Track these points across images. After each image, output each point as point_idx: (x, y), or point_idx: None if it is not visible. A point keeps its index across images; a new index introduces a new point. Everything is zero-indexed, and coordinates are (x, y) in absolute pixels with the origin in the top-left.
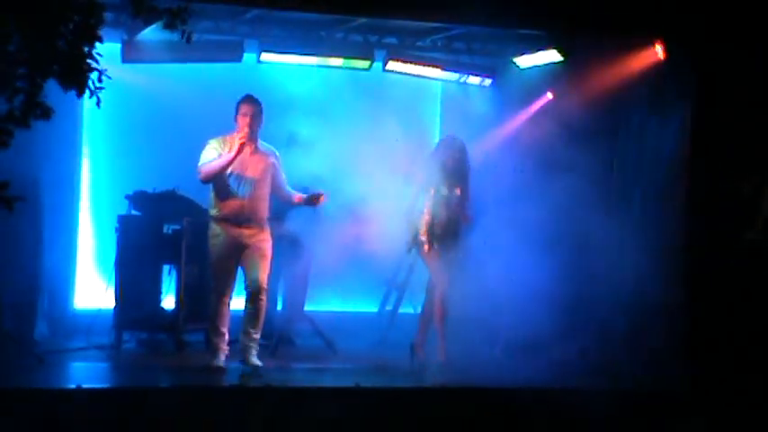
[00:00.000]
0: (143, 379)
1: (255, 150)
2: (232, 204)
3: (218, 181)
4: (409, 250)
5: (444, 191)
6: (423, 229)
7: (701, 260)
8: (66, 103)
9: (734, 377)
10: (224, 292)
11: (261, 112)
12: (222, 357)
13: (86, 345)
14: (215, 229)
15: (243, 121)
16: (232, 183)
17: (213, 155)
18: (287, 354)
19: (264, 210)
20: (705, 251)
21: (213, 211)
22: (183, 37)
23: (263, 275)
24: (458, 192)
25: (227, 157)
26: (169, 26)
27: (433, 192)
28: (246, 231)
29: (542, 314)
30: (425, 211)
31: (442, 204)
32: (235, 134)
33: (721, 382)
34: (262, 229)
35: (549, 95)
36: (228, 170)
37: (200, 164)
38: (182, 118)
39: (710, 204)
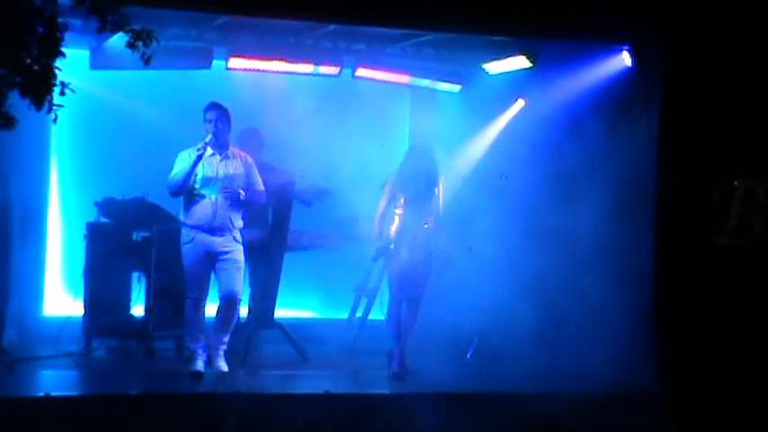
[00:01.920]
0: (113, 386)
1: (225, 156)
2: (202, 211)
3: (188, 189)
4: (376, 258)
5: (414, 199)
6: (392, 237)
7: (670, 264)
8: (33, 111)
9: (706, 380)
10: (198, 298)
11: (226, 117)
12: (201, 362)
13: (55, 352)
14: (186, 235)
15: (208, 128)
16: (202, 189)
17: (181, 167)
18: (257, 360)
19: (236, 216)
20: (674, 255)
21: (184, 219)
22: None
23: (237, 285)
24: (428, 200)
25: (187, 167)
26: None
27: (402, 200)
28: (218, 240)
29: (513, 320)
30: (395, 219)
31: (412, 212)
32: (202, 143)
33: (693, 385)
34: (234, 237)
35: (522, 102)
36: (198, 177)
37: (168, 177)
38: (151, 125)
39: (679, 208)
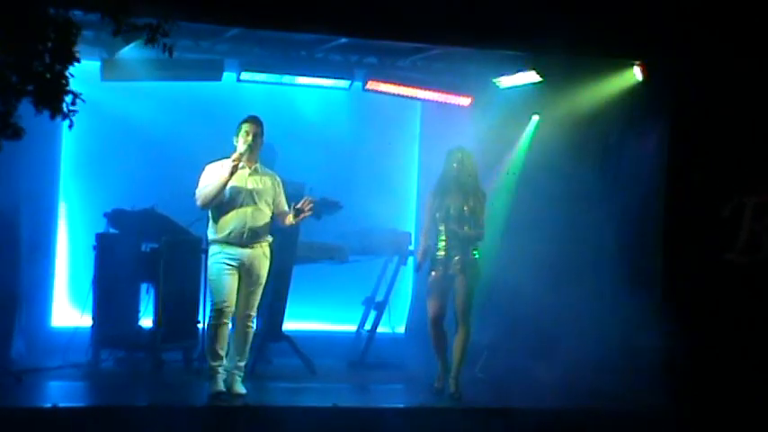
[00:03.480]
0: (120, 398)
1: (255, 171)
2: (233, 223)
3: (218, 201)
4: (419, 269)
5: (452, 208)
6: (439, 249)
7: (679, 279)
8: (44, 122)
9: (717, 397)
10: (223, 309)
11: (262, 132)
12: (222, 382)
13: (63, 363)
14: (215, 248)
15: (245, 140)
16: (232, 201)
17: (210, 180)
18: (264, 373)
19: (266, 229)
20: (684, 271)
21: (213, 235)
22: (164, 51)
23: (254, 302)
24: (466, 208)
25: (221, 179)
26: (150, 41)
27: (442, 210)
28: (248, 252)
29: (524, 334)
30: (441, 230)
31: (452, 222)
32: (232, 155)
33: (704, 401)
34: (263, 251)
35: (536, 118)
36: (227, 189)
37: (197, 190)
38: (160, 136)
39: (689, 224)
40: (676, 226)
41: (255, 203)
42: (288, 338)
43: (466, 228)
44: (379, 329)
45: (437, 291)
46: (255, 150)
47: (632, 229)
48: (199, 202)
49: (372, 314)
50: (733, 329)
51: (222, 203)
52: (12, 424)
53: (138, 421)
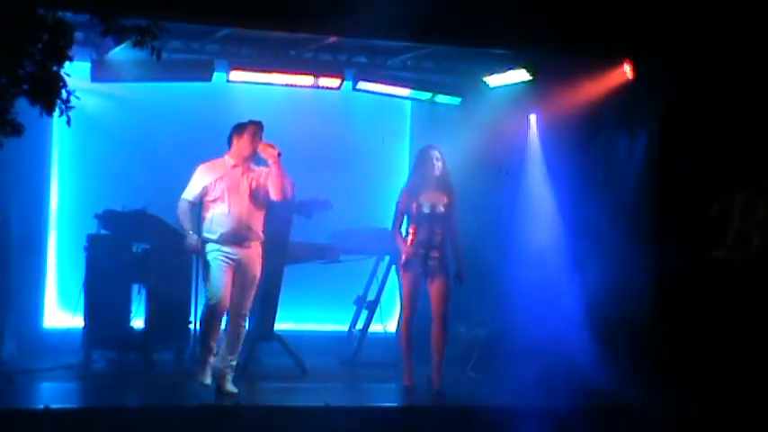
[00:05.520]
0: (112, 398)
1: (248, 169)
2: (227, 225)
3: (212, 204)
4: (399, 270)
5: (428, 207)
6: (406, 248)
7: (669, 277)
8: (36, 123)
9: (705, 392)
10: (219, 305)
11: None
12: (209, 373)
13: (55, 364)
14: (211, 246)
15: (259, 143)
16: (225, 203)
17: (200, 185)
18: (256, 373)
19: (259, 226)
20: (674, 269)
21: (209, 235)
22: (152, 53)
23: (247, 301)
24: (442, 207)
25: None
26: (139, 43)
27: (416, 209)
28: (243, 251)
29: (513, 332)
30: (410, 230)
31: (427, 221)
32: (226, 157)
33: (693, 397)
34: (257, 247)
35: (533, 117)
36: (221, 191)
37: (183, 195)
38: (151, 137)
39: (678, 222)
40: (667, 224)
41: (248, 205)
42: (279, 338)
43: (440, 226)
44: (371, 329)
45: (415, 291)
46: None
47: (623, 226)
48: (178, 211)
49: (364, 313)
50: (723, 325)
51: (217, 208)
52: (3, 426)
53: (130, 422)
